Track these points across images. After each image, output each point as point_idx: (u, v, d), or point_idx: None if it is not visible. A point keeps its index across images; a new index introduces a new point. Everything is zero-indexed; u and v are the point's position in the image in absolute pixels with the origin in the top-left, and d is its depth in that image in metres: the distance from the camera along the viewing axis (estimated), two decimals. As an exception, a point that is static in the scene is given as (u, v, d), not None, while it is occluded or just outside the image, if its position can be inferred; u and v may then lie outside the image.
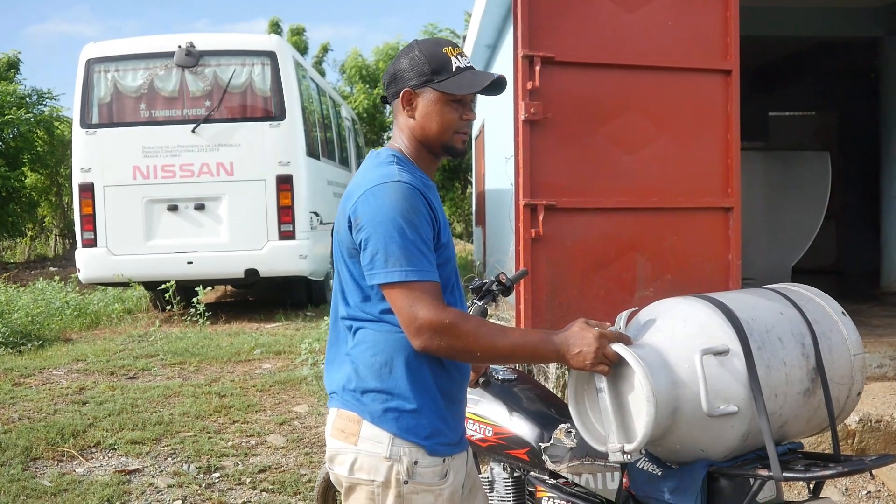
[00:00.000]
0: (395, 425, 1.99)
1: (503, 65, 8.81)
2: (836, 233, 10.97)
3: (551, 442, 2.71)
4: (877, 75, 9.19)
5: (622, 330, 2.06)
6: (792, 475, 2.03)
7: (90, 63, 9.19)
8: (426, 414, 2.02)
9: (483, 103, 11.58)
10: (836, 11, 8.46)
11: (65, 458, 4.77)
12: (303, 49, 26.15)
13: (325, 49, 27.82)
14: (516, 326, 4.62)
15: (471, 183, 21.38)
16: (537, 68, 4.53)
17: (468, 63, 2.09)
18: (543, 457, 2.71)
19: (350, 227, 2.00)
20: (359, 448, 2.01)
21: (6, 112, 18.36)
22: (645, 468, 2.24)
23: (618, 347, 1.97)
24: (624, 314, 2.10)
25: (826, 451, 2.41)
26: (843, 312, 2.30)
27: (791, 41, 9.32)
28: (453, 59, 2.07)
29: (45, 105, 20.40)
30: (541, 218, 4.57)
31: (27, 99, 19.86)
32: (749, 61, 4.88)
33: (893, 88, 8.67)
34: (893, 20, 8.42)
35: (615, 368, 2.00)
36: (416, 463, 2.00)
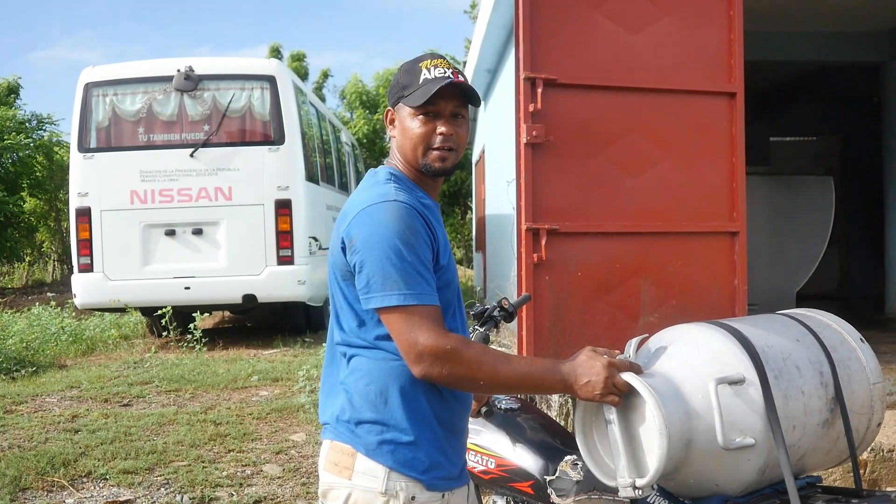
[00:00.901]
0: (390, 458, 1.89)
1: (504, 88, 8.77)
2: (839, 258, 10.91)
3: (557, 475, 2.60)
4: (879, 100, 9.16)
5: (632, 358, 1.97)
6: (813, 512, 1.92)
7: (88, 87, 9.14)
8: (424, 446, 1.91)
9: (484, 128, 11.54)
10: (838, 36, 8.45)
11: (55, 489, 4.64)
12: (303, 75, 26.23)
13: (326, 75, 27.96)
14: (519, 354, 4.51)
15: (471, 208, 21.34)
16: (539, 90, 4.46)
17: (442, 73, 1.96)
18: (548, 490, 2.60)
19: (344, 249, 1.91)
20: (353, 483, 1.91)
21: (5, 137, 18.35)
22: (656, 504, 2.13)
23: (628, 377, 1.87)
24: (634, 341, 2.01)
25: (838, 485, 2.32)
26: (861, 339, 2.22)
27: (793, 65, 9.31)
28: (424, 70, 1.97)
29: (44, 130, 20.43)
30: (543, 242, 4.49)
31: (27, 124, 19.87)
32: (750, 86, 4.82)
33: (896, 113, 8.65)
34: (896, 44, 8.40)
35: (625, 399, 1.90)
36: (413, 498, 1.89)
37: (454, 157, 2.00)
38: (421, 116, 1.96)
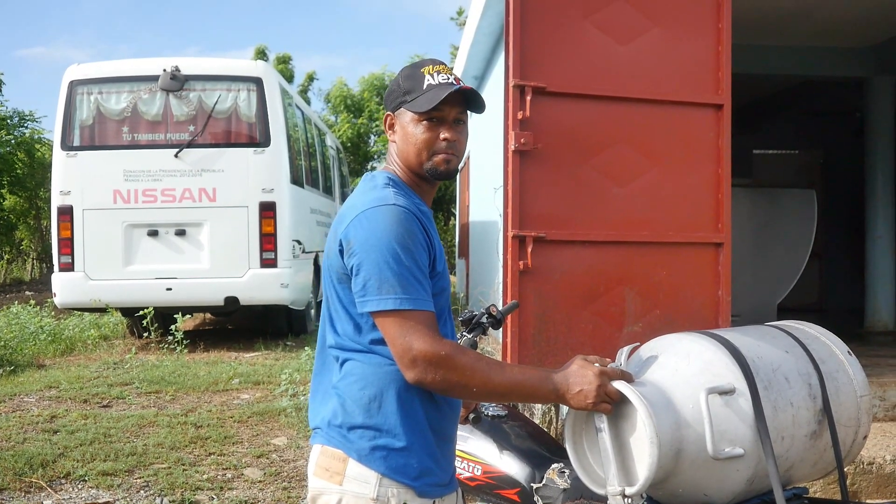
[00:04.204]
0: (383, 464, 1.88)
1: (491, 95, 8.79)
2: (820, 271, 11.00)
3: (543, 482, 2.60)
4: (862, 115, 9.25)
5: (623, 366, 1.97)
6: (801, 523, 1.93)
7: (73, 84, 9.08)
8: (416, 452, 1.90)
9: (469, 135, 11.55)
10: (822, 51, 8.53)
11: (32, 490, 4.59)
12: (288, 77, 26.18)
13: (311, 78, 27.92)
14: (503, 361, 4.51)
15: (454, 215, 21.34)
16: (528, 98, 4.46)
17: (445, 79, 1.97)
18: (535, 498, 2.60)
19: (341, 252, 1.90)
20: (344, 488, 1.90)
21: (-14, 133, 18.20)
22: (644, 512, 2.13)
23: (620, 385, 1.88)
24: (625, 350, 2.01)
25: (820, 496, 2.33)
26: (848, 352, 2.23)
27: (777, 79, 9.38)
28: (427, 76, 1.98)
29: (26, 127, 20.26)
30: (529, 250, 4.49)
31: (8, 121, 19.70)
32: (734, 98, 4.86)
33: (878, 128, 8.74)
34: (880, 60, 8.49)
35: (616, 407, 1.90)
36: (404, 505, 1.88)
37: (457, 161, 2.01)
38: (425, 122, 1.97)
